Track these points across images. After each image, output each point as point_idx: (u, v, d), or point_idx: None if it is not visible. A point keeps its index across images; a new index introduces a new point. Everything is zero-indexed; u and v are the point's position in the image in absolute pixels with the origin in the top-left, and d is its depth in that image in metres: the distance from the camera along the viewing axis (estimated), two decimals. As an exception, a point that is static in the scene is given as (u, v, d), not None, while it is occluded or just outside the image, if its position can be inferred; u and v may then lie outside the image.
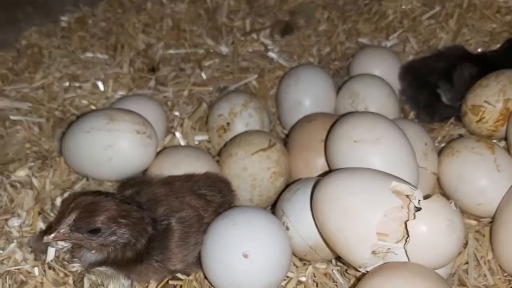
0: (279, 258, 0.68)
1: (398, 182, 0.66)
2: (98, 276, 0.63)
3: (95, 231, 0.63)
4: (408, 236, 0.64)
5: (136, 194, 0.69)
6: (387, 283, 0.59)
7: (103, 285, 0.62)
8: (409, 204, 0.66)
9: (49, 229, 0.63)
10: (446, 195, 0.84)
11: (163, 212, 0.68)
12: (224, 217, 0.70)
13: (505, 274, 0.75)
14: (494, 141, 0.88)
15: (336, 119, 0.83)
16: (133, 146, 0.77)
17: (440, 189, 0.85)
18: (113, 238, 0.64)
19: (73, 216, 0.62)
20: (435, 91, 0.96)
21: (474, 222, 0.81)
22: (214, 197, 0.73)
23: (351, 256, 0.66)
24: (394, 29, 1.12)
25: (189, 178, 0.74)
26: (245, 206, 0.76)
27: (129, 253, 0.66)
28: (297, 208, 0.74)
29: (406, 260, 0.64)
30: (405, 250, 0.64)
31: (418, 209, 0.65)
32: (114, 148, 0.76)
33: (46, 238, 0.62)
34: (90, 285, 0.62)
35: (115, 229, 0.63)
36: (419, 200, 0.65)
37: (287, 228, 0.73)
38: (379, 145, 0.75)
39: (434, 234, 0.65)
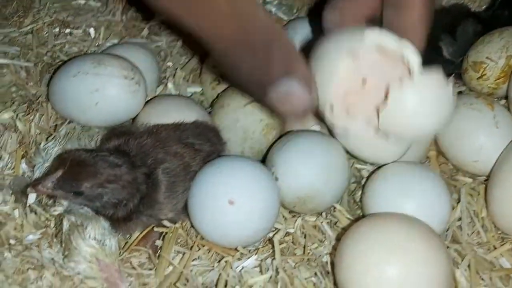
0: (265, 207, 0.67)
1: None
2: (78, 217, 0.62)
3: (79, 193, 0.62)
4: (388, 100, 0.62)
5: (125, 145, 0.68)
6: (373, 231, 0.58)
7: (82, 226, 0.61)
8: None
9: (35, 182, 0.62)
10: (442, 153, 0.83)
11: (149, 164, 0.66)
12: (211, 165, 0.68)
13: (499, 232, 0.73)
14: (495, 99, 0.87)
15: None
16: (121, 92, 0.75)
17: (436, 146, 0.83)
18: (99, 200, 0.63)
19: (58, 173, 0.61)
20: (436, 46, 0.92)
21: (469, 180, 0.79)
22: (203, 145, 0.71)
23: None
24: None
25: (177, 127, 0.72)
26: (233, 155, 0.75)
27: (120, 213, 0.65)
28: (287, 159, 0.72)
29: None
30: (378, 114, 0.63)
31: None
32: (101, 93, 0.74)
33: (29, 190, 0.62)
34: (69, 226, 0.61)
35: (101, 193, 0.62)
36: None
37: (276, 179, 0.72)
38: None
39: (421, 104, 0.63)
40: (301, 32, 0.93)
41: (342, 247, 0.60)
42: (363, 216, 0.73)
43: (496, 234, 0.73)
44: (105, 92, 0.74)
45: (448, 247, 0.70)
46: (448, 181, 0.78)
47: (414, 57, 0.65)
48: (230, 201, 0.64)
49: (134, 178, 0.64)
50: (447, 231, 0.73)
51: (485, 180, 0.78)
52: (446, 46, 0.93)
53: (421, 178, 0.71)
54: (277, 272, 0.62)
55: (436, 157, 0.83)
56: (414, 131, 0.66)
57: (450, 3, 1.03)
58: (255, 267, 0.64)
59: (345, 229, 0.70)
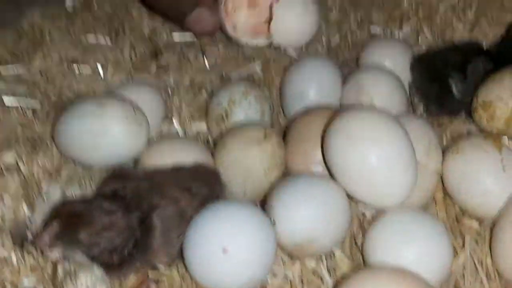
0: (261, 254, 0.66)
1: None
2: (72, 264, 0.62)
3: (77, 244, 0.63)
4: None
5: (122, 189, 0.68)
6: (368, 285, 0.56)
7: (75, 273, 0.61)
8: None
9: (32, 237, 0.64)
10: (448, 195, 0.81)
11: (145, 209, 0.66)
12: (208, 209, 0.68)
13: (503, 281, 0.71)
14: (506, 140, 0.84)
15: (335, 112, 0.80)
16: (122, 132, 0.76)
17: (443, 188, 0.81)
18: (97, 249, 0.63)
19: (55, 226, 0.62)
20: (446, 83, 0.91)
21: (475, 224, 0.77)
22: (200, 189, 0.71)
23: None
24: (408, 19, 1.07)
25: (174, 170, 0.72)
26: (230, 199, 0.74)
27: (114, 258, 0.65)
28: (284, 202, 0.72)
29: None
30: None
31: None
32: (103, 134, 0.75)
33: (26, 246, 0.64)
34: (64, 273, 0.62)
35: (98, 242, 0.63)
36: None
37: (274, 223, 0.71)
38: (376, 141, 0.71)
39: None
40: (307, 68, 0.92)
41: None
42: (363, 260, 0.72)
43: (500, 284, 0.70)
44: (107, 133, 0.76)
45: (449, 296, 0.68)
46: (453, 225, 0.77)
47: None
48: (224, 249, 0.64)
49: (129, 223, 0.64)
50: (449, 278, 0.70)
51: (492, 225, 0.76)
52: (455, 84, 0.91)
53: (423, 225, 0.70)
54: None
55: (443, 199, 0.81)
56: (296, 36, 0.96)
57: (462, 40, 1.02)
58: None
59: (344, 277, 0.69)
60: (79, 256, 0.63)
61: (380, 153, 0.71)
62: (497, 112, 0.84)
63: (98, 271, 0.63)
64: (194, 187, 0.70)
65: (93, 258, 0.65)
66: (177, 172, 0.72)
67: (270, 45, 0.99)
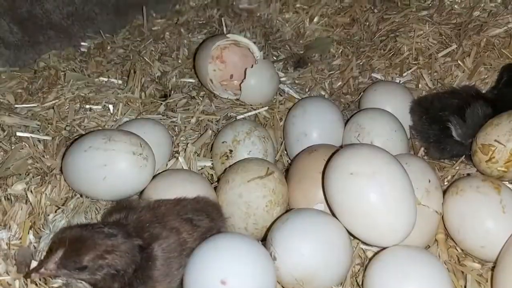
0: (260, 287, 0.67)
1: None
2: (73, 293, 0.63)
3: (82, 269, 0.63)
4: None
5: (124, 219, 0.69)
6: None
7: (77, 303, 0.62)
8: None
9: (37, 266, 0.64)
10: (449, 236, 0.82)
11: (146, 239, 0.67)
12: (208, 241, 0.69)
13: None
14: (506, 183, 0.85)
15: (335, 150, 0.82)
16: (128, 167, 0.78)
17: (445, 229, 0.82)
18: (101, 272, 0.64)
19: (59, 253, 0.63)
20: (446, 126, 0.93)
21: (477, 266, 0.77)
22: (201, 221, 0.72)
23: None
24: (409, 66, 1.11)
25: (177, 202, 0.74)
26: (231, 232, 0.75)
27: (115, 284, 0.66)
28: (286, 238, 0.73)
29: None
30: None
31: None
32: (109, 168, 0.77)
33: (34, 276, 0.63)
34: (66, 301, 0.62)
35: (102, 265, 0.64)
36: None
37: (274, 258, 0.72)
38: (375, 179, 0.73)
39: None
40: (309, 109, 0.97)
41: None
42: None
43: (503, 326, 0.70)
44: (114, 167, 0.77)
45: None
46: (455, 267, 0.77)
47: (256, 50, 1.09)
48: (222, 281, 0.64)
49: (130, 247, 0.65)
50: (450, 320, 0.70)
51: (493, 267, 0.75)
52: (455, 127, 0.93)
53: (422, 263, 0.70)
54: None
55: (445, 240, 0.81)
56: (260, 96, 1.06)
57: (460, 85, 1.05)
58: None
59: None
60: (82, 284, 0.64)
61: (379, 189, 0.72)
62: (496, 155, 0.85)
63: (99, 299, 0.63)
64: (195, 219, 0.72)
65: (95, 285, 0.65)
66: (179, 204, 0.73)
67: (237, 99, 1.07)
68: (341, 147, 0.83)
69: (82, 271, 0.63)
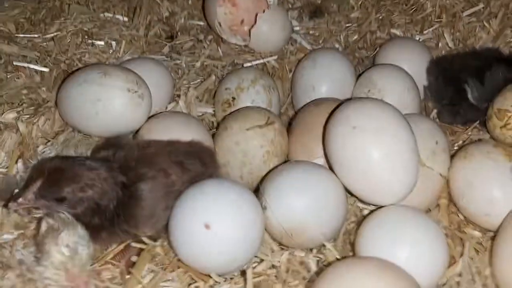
0: (245, 235, 0.64)
1: None
2: (56, 221, 0.62)
3: (61, 200, 0.62)
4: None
5: (112, 156, 0.67)
6: (344, 274, 0.54)
7: (58, 231, 0.60)
8: None
9: (15, 196, 0.63)
10: (453, 201, 0.78)
11: (131, 177, 0.65)
12: (195, 185, 0.67)
13: (500, 295, 0.67)
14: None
15: (339, 103, 0.78)
16: (122, 104, 0.75)
17: (449, 195, 0.78)
18: (81, 206, 0.63)
19: (38, 183, 0.61)
20: (462, 88, 0.88)
21: (478, 234, 0.74)
22: (192, 165, 0.70)
23: None
24: (431, 24, 1.05)
25: (169, 143, 0.71)
26: (221, 178, 0.73)
27: (96, 219, 0.64)
28: (277, 189, 0.70)
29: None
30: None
31: None
32: (103, 103, 0.75)
33: (11, 205, 0.62)
34: (46, 228, 0.61)
35: (82, 198, 0.62)
36: None
37: (265, 208, 0.69)
38: (378, 134, 0.69)
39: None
40: (320, 62, 0.92)
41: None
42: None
43: (497, 298, 0.67)
44: (107, 103, 0.75)
45: (439, 303, 0.65)
46: (454, 233, 0.73)
47: None
48: (206, 225, 0.62)
49: (112, 181, 0.63)
50: (443, 285, 0.67)
51: (494, 236, 0.72)
52: (471, 90, 0.88)
53: (417, 225, 0.67)
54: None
55: (447, 206, 0.78)
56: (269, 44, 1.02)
57: (483, 47, 0.99)
58: (223, 296, 0.61)
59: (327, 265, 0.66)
60: (64, 215, 0.63)
61: (381, 146, 0.69)
62: (512, 121, 0.81)
63: (82, 231, 0.62)
64: (186, 162, 0.69)
65: (77, 218, 0.64)
66: (171, 146, 0.71)
67: (246, 46, 1.02)
68: (344, 100, 0.79)
69: (61, 203, 0.62)
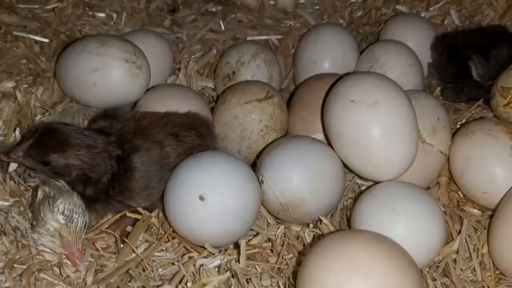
0: (240, 208, 0.64)
1: None
2: (52, 189, 0.62)
3: (45, 164, 0.62)
4: None
5: (108, 128, 0.67)
6: (335, 247, 0.53)
7: (54, 198, 0.61)
8: None
9: (7, 150, 0.64)
10: (453, 179, 0.77)
11: (127, 149, 0.65)
12: (192, 158, 0.66)
13: (498, 272, 0.67)
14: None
15: (338, 78, 0.77)
16: (120, 74, 0.75)
17: (449, 173, 0.77)
18: (68, 174, 0.63)
19: (29, 142, 0.62)
20: (466, 65, 0.87)
21: (477, 212, 0.73)
22: (188, 137, 0.69)
23: None
24: (437, 0, 1.03)
25: (165, 115, 0.71)
26: (217, 151, 0.72)
27: (89, 191, 0.64)
28: (274, 163, 0.69)
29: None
30: None
31: None
32: (100, 73, 0.74)
33: (1, 156, 0.63)
34: (42, 196, 0.61)
35: (68, 165, 0.62)
36: None
37: (262, 182, 0.69)
38: (376, 108, 0.68)
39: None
40: (322, 37, 0.91)
41: (305, 260, 0.56)
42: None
43: (494, 274, 0.66)
44: (105, 73, 0.75)
45: (435, 279, 0.64)
46: (453, 211, 0.73)
47: None
48: (200, 197, 0.62)
49: (107, 155, 0.63)
50: (440, 262, 0.67)
51: (493, 214, 0.71)
52: (476, 66, 0.86)
53: (414, 201, 0.66)
54: (234, 275, 0.59)
55: (447, 184, 0.77)
56: None
57: (490, 24, 0.97)
58: (216, 267, 0.61)
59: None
60: (60, 183, 0.63)
61: (379, 120, 0.68)
62: (515, 99, 0.79)
63: (77, 200, 0.63)
64: (181, 134, 0.69)
65: (72, 187, 0.64)
66: (166, 117, 0.70)
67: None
68: (343, 74, 0.78)
69: (45, 166, 0.62)
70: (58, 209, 0.61)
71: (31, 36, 0.86)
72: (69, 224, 0.61)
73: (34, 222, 0.62)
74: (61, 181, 0.64)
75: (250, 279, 0.58)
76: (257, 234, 0.68)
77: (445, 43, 0.91)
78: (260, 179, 0.69)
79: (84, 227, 0.62)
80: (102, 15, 0.94)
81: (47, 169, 0.63)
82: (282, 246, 0.67)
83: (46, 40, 0.87)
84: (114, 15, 0.94)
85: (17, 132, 0.72)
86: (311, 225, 0.70)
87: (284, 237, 0.68)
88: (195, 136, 0.70)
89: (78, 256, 0.60)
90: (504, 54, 0.85)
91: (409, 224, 0.65)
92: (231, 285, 0.58)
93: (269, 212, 0.71)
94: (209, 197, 0.63)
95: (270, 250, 0.67)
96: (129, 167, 0.64)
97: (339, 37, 0.92)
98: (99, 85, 0.75)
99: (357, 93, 0.69)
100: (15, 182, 0.67)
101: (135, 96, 0.77)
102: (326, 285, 0.53)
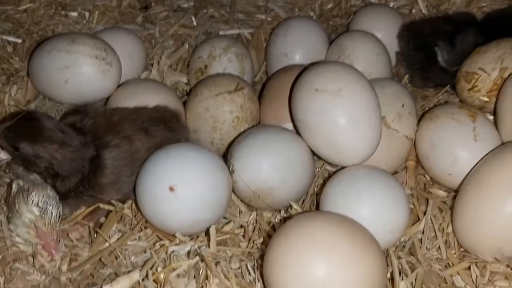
0: (210, 198, 0.66)
1: None
2: (26, 183, 0.64)
3: (16, 149, 0.64)
4: None
5: (79, 123, 0.69)
6: (298, 228, 0.55)
7: (28, 191, 0.62)
8: None
9: None
10: (419, 162, 0.79)
11: (97, 146, 0.67)
12: (161, 150, 0.68)
13: (462, 249, 0.69)
14: (487, 114, 0.82)
15: (304, 68, 0.79)
16: (90, 71, 0.76)
17: (416, 157, 0.79)
18: (35, 166, 0.64)
19: (7, 124, 0.63)
20: (432, 52, 0.88)
21: (443, 193, 0.75)
22: (157, 131, 0.71)
23: None
24: (404, -10, 1.05)
25: (134, 110, 0.72)
26: (187, 143, 0.74)
27: (59, 185, 0.66)
28: (244, 152, 0.71)
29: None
30: None
31: None
32: (71, 70, 0.76)
33: None
34: (17, 189, 0.63)
35: (37, 156, 0.63)
36: None
37: (233, 171, 0.71)
38: (339, 96, 0.70)
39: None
40: (292, 30, 0.93)
41: (271, 242, 0.58)
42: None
43: (458, 252, 0.68)
44: (75, 70, 0.76)
45: (400, 257, 0.66)
46: (420, 193, 0.75)
47: None
48: (170, 188, 0.64)
49: (79, 156, 0.65)
50: (406, 242, 0.69)
51: (456, 195, 0.74)
52: (442, 53, 0.88)
53: (376, 183, 0.68)
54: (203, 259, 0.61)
55: (415, 167, 0.79)
56: None
57: (456, 11, 0.99)
58: (186, 253, 0.63)
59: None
60: (34, 177, 0.64)
61: (342, 106, 0.70)
62: (479, 83, 0.81)
63: (51, 192, 0.64)
64: (151, 129, 0.70)
65: (45, 180, 0.66)
66: (136, 113, 0.71)
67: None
68: (309, 65, 0.80)
69: (15, 151, 0.64)
70: (33, 201, 0.63)
71: (4, 37, 0.87)
72: (43, 215, 0.63)
73: (10, 215, 0.64)
74: (34, 174, 0.65)
75: (218, 262, 0.60)
76: (230, 221, 0.70)
77: (412, 31, 0.93)
78: (231, 169, 0.71)
79: (58, 218, 0.64)
80: (74, 14, 0.95)
81: (17, 155, 0.64)
82: (253, 231, 0.69)
83: (19, 41, 0.88)
84: (87, 14, 0.96)
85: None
86: (282, 211, 0.73)
87: (256, 223, 0.70)
88: (165, 130, 0.72)
89: (53, 246, 0.62)
90: (469, 40, 0.87)
91: (372, 205, 0.67)
92: (200, 268, 0.59)
93: (241, 200, 0.73)
94: (179, 188, 0.64)
95: (242, 236, 0.69)
96: (99, 163, 0.66)
97: (308, 29, 0.94)
98: (70, 82, 0.76)
99: (321, 82, 0.71)
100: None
101: (107, 92, 0.79)
102: (289, 265, 0.55)
